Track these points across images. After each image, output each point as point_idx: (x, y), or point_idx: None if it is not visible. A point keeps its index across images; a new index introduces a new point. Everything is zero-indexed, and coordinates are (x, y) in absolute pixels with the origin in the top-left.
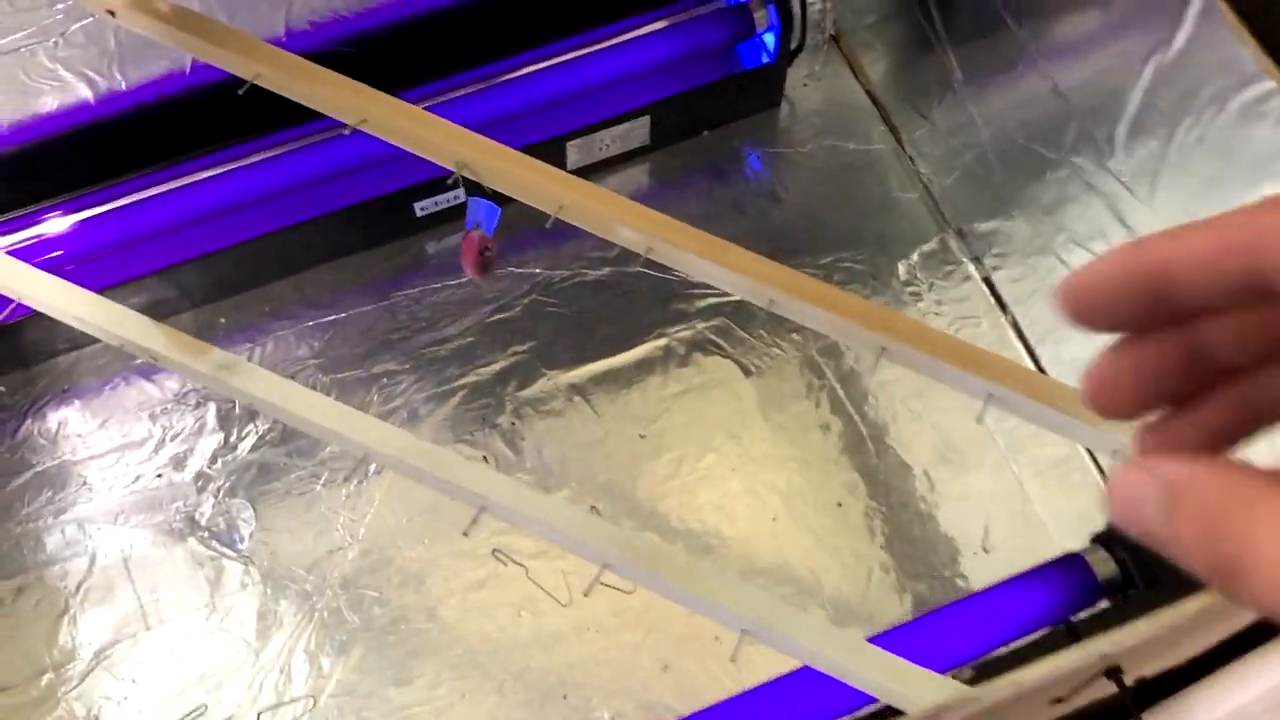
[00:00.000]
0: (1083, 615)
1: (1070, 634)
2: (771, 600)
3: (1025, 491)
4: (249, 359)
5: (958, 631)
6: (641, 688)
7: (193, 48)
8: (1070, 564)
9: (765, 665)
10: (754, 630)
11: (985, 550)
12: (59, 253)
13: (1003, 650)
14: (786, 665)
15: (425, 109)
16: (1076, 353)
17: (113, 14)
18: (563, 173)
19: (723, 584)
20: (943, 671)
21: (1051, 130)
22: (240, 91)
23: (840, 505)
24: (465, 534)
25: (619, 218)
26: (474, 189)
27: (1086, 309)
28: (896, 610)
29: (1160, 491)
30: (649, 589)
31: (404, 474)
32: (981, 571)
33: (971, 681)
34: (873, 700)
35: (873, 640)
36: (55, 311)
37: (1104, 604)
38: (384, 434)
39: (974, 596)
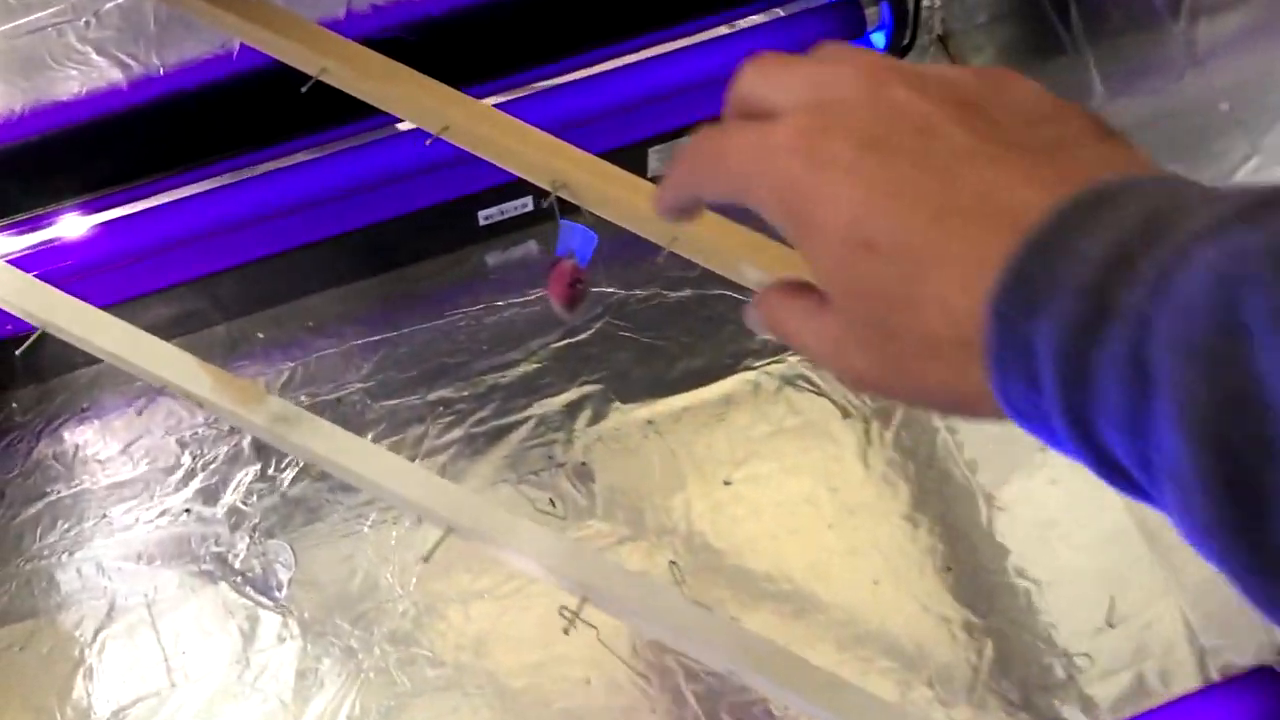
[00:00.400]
0: None
1: None
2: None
3: (1154, 555)
4: (289, 379)
5: None
6: None
7: (248, 34)
8: (1265, 679)
9: None
10: None
11: (1111, 625)
12: (77, 259)
13: None
14: None
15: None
16: None
17: None
18: None
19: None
20: None
21: (1214, 141)
22: (303, 90)
23: (949, 570)
24: (567, 625)
25: (744, 255)
26: (566, 208)
27: (666, 215)
28: (1013, 694)
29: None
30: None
31: (507, 559)
32: (1109, 650)
33: None
34: None
35: None
36: (81, 342)
37: None
38: (480, 510)
39: (1163, 710)
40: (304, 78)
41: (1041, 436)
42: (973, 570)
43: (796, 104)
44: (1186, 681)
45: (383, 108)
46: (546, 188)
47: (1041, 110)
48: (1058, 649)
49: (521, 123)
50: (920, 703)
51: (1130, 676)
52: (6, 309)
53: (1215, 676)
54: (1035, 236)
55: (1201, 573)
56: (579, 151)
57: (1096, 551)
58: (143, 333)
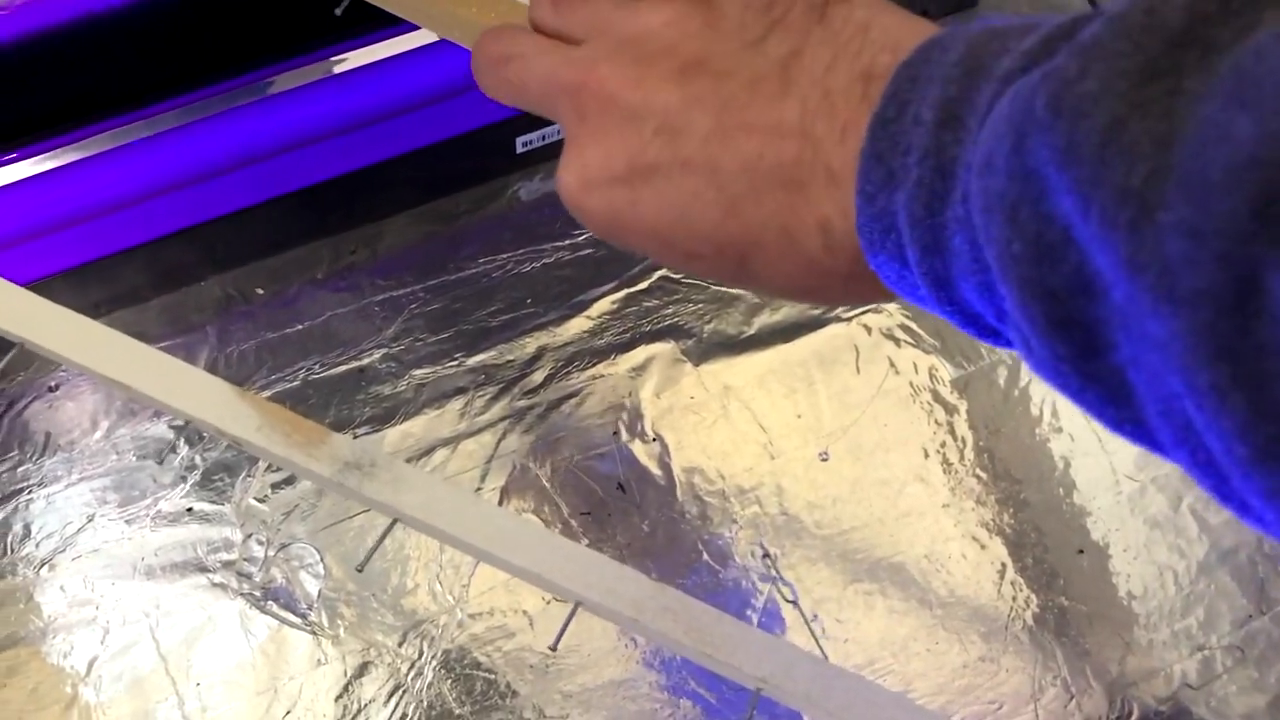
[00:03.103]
0: None
1: None
2: None
3: None
4: (299, 345)
5: None
6: None
7: None
8: None
9: None
10: None
11: (1263, 612)
12: (33, 212)
13: None
14: None
15: None
16: None
17: None
18: None
19: None
20: None
21: None
22: (338, 11)
23: (1082, 552)
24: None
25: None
26: None
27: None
28: (1162, 690)
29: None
30: None
31: (657, 642)
32: (1263, 639)
33: None
34: None
35: None
36: (87, 370)
37: None
38: (617, 579)
39: None
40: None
41: (919, 305)
42: (1106, 554)
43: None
44: None
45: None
46: None
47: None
48: (1206, 640)
49: None
50: (1056, 702)
51: None
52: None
53: None
54: (879, 110)
55: None
56: None
57: (1239, 526)
58: (156, 352)
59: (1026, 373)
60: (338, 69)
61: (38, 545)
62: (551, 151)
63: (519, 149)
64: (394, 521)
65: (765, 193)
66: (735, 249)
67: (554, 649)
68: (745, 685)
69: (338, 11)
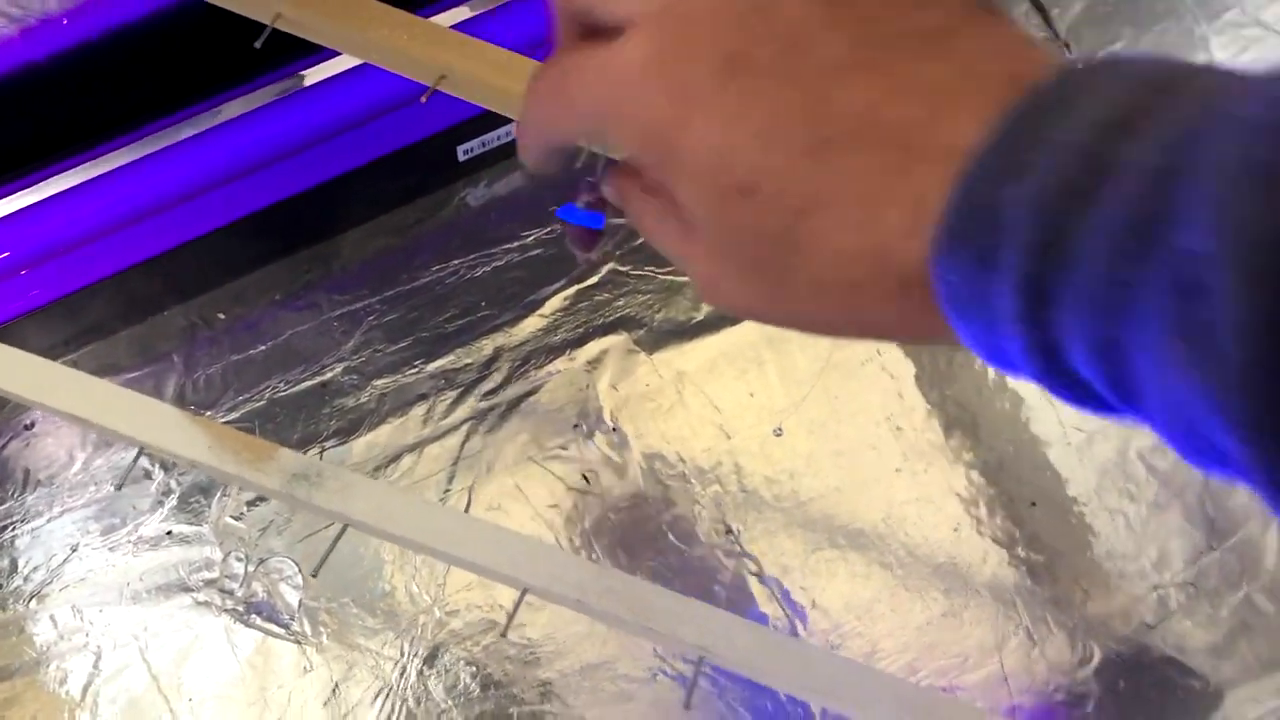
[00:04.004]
0: None
1: None
2: None
3: None
4: (263, 363)
5: None
6: None
7: None
8: None
9: None
10: None
11: (1212, 548)
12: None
13: None
14: None
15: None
16: None
17: None
18: None
19: None
20: None
21: None
22: (257, 45)
23: (1035, 504)
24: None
25: None
26: None
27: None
28: (1122, 630)
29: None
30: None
31: (608, 624)
32: (1215, 573)
33: None
34: None
35: None
36: (43, 407)
37: None
38: (565, 566)
39: None
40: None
41: (968, 330)
42: (1059, 505)
43: (642, 13)
44: None
45: (354, 54)
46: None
47: None
48: (1161, 579)
49: (529, 59)
50: (1019, 650)
51: (1239, 599)
52: None
53: None
54: (1032, 98)
55: None
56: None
57: (1186, 468)
58: (108, 384)
59: None
60: (280, 94)
61: (25, 579)
62: (492, 158)
63: (461, 157)
64: (345, 528)
65: (864, 146)
66: (798, 196)
67: (504, 635)
68: (690, 656)
69: (257, 45)
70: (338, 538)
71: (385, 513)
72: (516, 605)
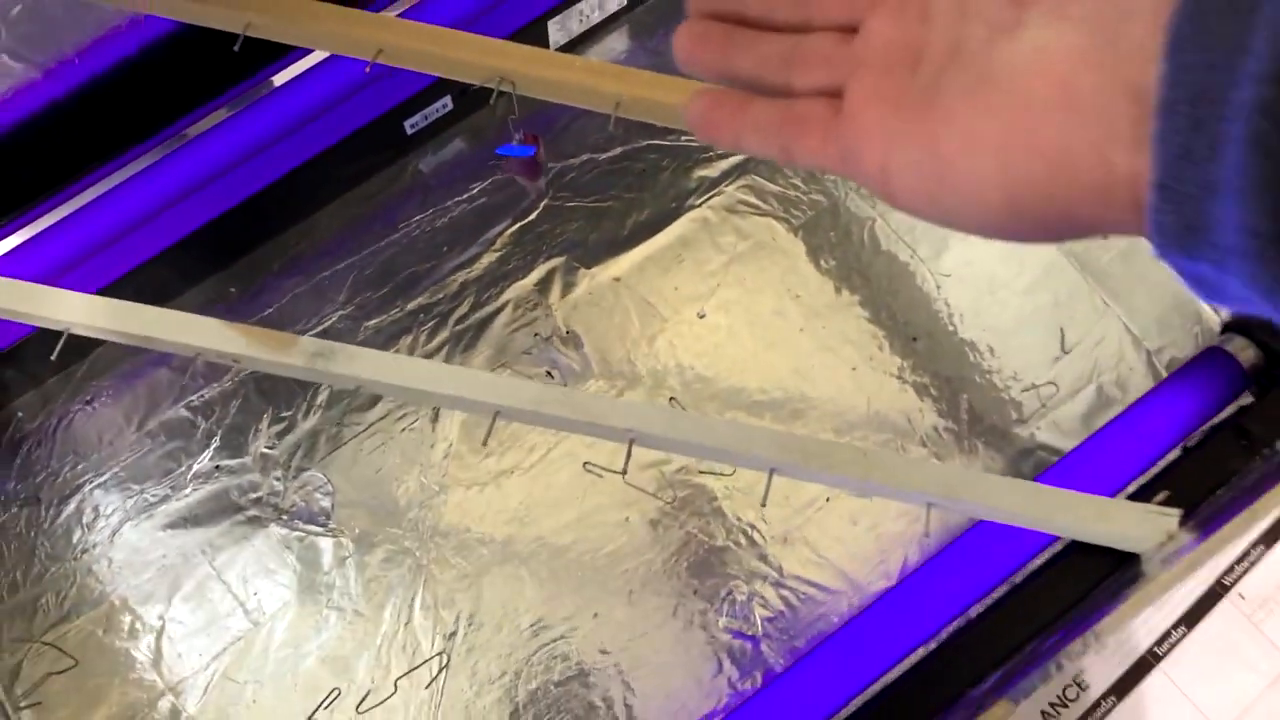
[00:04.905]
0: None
1: (1239, 433)
2: (947, 472)
3: (1088, 280)
4: (273, 322)
5: (1124, 450)
6: (776, 572)
7: (171, 7)
8: (1213, 358)
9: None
10: (939, 503)
11: (1065, 352)
12: (46, 259)
13: (1173, 456)
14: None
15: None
16: None
17: None
18: (617, 67)
19: (894, 468)
20: (1118, 493)
21: None
22: (235, 48)
23: (915, 340)
24: (622, 473)
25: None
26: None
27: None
28: (995, 434)
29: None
30: (816, 483)
31: (554, 428)
32: (1070, 374)
33: (1167, 503)
34: (1047, 543)
35: (1043, 479)
36: (107, 334)
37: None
38: (520, 390)
39: (1129, 411)
40: (240, 41)
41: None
42: (936, 337)
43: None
44: (1142, 384)
45: (315, 48)
46: (492, 86)
47: None
48: (1025, 385)
49: (453, 31)
50: (933, 436)
51: (1092, 391)
52: (16, 319)
53: (1165, 373)
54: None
55: (1130, 284)
56: (514, 45)
57: (1038, 291)
58: (161, 310)
59: (846, 204)
60: (251, 100)
61: (107, 520)
62: (433, 129)
63: (408, 131)
64: (496, 415)
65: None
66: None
67: (485, 444)
68: (619, 440)
69: (235, 48)
70: (492, 423)
71: (383, 370)
72: (492, 424)
